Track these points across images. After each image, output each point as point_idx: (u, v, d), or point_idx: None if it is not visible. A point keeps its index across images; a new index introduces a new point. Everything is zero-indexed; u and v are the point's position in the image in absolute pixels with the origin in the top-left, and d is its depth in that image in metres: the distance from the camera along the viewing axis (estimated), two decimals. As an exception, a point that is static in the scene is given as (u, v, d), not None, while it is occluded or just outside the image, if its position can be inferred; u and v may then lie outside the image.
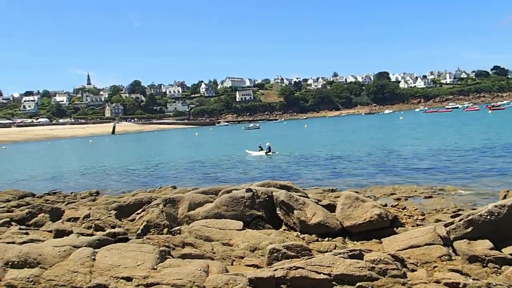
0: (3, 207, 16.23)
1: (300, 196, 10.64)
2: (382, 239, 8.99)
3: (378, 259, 6.57)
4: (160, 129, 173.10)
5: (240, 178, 24.54)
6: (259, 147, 38.29)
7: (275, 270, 6.47)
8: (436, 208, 13.22)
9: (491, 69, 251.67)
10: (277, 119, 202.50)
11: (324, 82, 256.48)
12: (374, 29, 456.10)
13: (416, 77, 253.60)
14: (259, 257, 8.21)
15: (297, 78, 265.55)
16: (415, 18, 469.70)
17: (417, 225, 11.17)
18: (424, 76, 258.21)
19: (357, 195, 10.14)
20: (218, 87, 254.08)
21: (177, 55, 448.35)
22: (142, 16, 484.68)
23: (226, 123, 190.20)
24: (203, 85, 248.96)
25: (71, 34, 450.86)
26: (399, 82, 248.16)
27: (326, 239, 9.62)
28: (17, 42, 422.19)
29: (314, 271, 6.42)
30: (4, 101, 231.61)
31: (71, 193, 21.41)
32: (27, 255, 6.42)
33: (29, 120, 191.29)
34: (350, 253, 6.94)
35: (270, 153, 36.65)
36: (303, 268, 6.43)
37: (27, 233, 9.49)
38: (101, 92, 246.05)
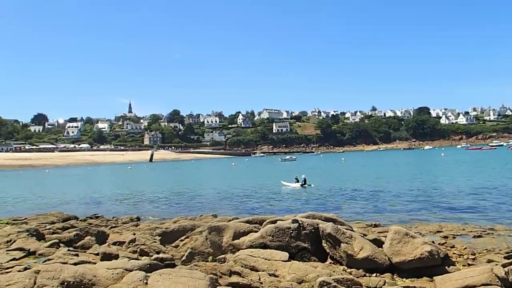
0: (49, 228, 16.71)
1: (346, 229, 10.44)
2: (434, 278, 8.64)
3: (435, 298, 6.32)
4: (197, 158, 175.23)
5: (278, 209, 24.34)
6: (295, 179, 38.37)
7: (327, 303, 6.32)
8: (486, 248, 12.69)
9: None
10: (313, 152, 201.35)
11: (362, 116, 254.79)
12: (416, 66, 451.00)
13: (458, 113, 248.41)
14: (306, 290, 8.05)
15: (334, 111, 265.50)
16: (458, 57, 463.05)
17: (468, 264, 10.73)
18: (467, 112, 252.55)
19: (406, 231, 9.87)
20: (255, 118, 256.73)
21: (215, 86, 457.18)
22: (183, 48, 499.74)
23: (262, 154, 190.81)
24: (240, 116, 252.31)
25: (115, 63, 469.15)
26: (440, 117, 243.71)
27: (374, 274, 9.35)
28: (64, 70, 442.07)
29: (367, 307, 6.22)
30: (50, 126, 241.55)
31: (113, 217, 21.81)
32: (83, 276, 6.54)
33: (72, 146, 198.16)
34: (404, 290, 6.71)
35: (305, 185, 36.61)
36: (356, 303, 6.25)
37: (77, 255, 9.68)
38: (141, 120, 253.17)
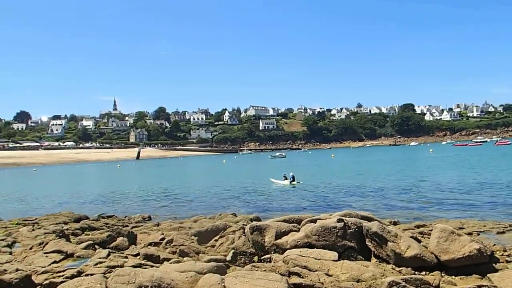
0: (67, 229, 16.39)
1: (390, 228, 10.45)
2: (488, 275, 8.71)
3: (517, 297, 6.36)
4: (184, 155, 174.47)
5: (285, 207, 24.33)
6: (284, 176, 38.83)
7: (409, 304, 6.31)
8: (515, 244, 12.85)
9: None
10: (300, 149, 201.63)
11: (348, 113, 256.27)
12: (401, 64, 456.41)
13: (442, 110, 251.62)
14: (367, 289, 8.03)
15: (320, 108, 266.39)
16: (442, 55, 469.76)
17: (507, 261, 10.84)
18: (450, 109, 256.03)
19: (452, 229, 9.90)
20: (242, 115, 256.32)
21: (201, 83, 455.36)
22: (169, 45, 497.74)
23: (249, 151, 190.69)
24: (226, 113, 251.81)
25: (99, 61, 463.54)
26: (424, 114, 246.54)
27: (423, 272, 9.38)
28: (47, 68, 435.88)
29: (450, 307, 6.23)
30: (33, 124, 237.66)
31: (125, 216, 21.53)
32: (161, 280, 6.40)
33: (56, 143, 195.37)
34: (479, 289, 6.74)
35: (294, 183, 37.07)
36: (438, 303, 6.24)
37: (126, 257, 9.49)
38: (127, 118, 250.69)
